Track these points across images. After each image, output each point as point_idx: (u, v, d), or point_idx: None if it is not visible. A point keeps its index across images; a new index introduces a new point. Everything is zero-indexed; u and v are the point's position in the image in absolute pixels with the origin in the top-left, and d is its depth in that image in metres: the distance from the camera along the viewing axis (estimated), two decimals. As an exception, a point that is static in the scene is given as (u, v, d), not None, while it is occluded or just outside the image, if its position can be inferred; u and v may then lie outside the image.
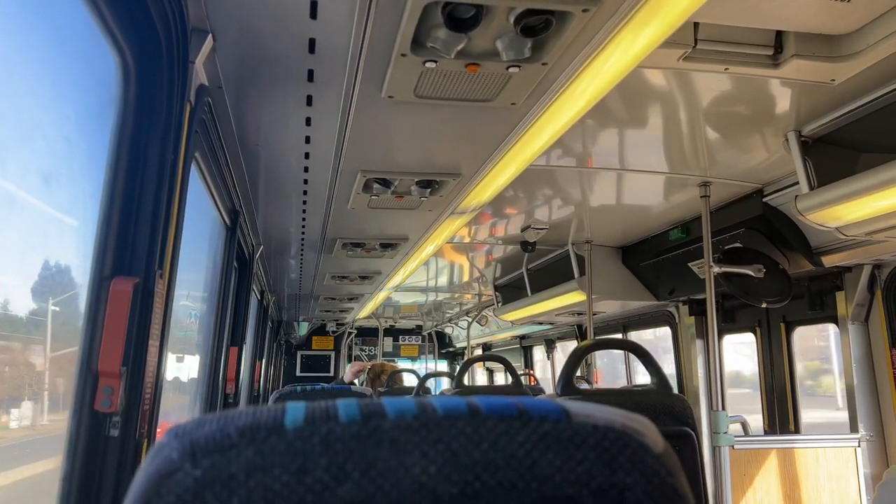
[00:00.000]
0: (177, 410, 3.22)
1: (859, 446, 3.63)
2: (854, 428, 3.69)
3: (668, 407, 2.14)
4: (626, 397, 2.26)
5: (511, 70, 1.80)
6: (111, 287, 1.32)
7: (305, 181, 2.98)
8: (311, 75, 1.90)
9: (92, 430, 1.32)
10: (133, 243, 1.40)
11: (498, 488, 0.48)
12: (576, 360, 2.28)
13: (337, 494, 0.47)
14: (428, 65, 1.76)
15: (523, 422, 0.50)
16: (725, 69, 2.21)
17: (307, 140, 2.44)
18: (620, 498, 0.49)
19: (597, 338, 4.93)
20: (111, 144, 1.41)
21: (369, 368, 6.56)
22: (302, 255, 4.87)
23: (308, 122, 2.25)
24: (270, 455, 0.48)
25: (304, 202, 3.35)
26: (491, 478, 0.48)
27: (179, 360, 3.32)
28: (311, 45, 1.72)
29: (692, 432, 2.10)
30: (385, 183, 2.90)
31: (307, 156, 2.63)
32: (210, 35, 1.66)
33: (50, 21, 1.32)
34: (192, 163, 1.94)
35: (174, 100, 1.50)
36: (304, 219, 3.72)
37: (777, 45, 2.16)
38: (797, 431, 4.20)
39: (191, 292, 3.11)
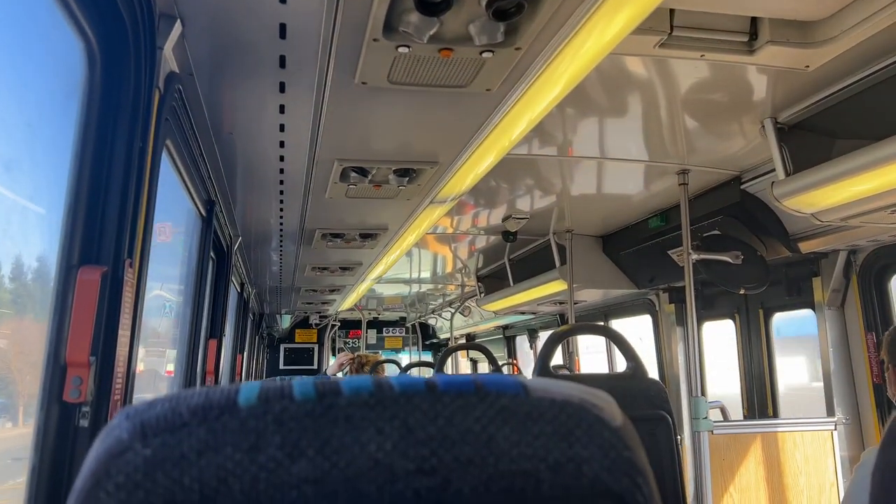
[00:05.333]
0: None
1: (836, 430, 3.68)
2: (831, 412, 3.74)
3: (644, 391, 2.16)
4: (601, 382, 2.27)
5: (485, 55, 1.79)
6: (78, 276, 1.30)
7: (282, 170, 2.95)
8: (282, 61, 1.88)
9: (61, 420, 1.30)
10: (101, 232, 1.38)
11: (454, 464, 0.47)
12: (551, 344, 2.28)
13: (291, 472, 0.46)
14: (401, 50, 1.74)
15: (480, 397, 0.50)
16: (701, 56, 2.22)
17: (281, 128, 2.42)
18: (578, 472, 0.49)
19: (573, 323, 4.94)
20: (76, 132, 1.39)
21: (352, 360, 6.54)
22: (281, 246, 4.84)
23: (282, 109, 2.23)
24: (223, 434, 0.47)
25: (282, 192, 3.33)
26: (447, 453, 0.48)
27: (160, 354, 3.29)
28: (282, 30, 1.70)
29: (668, 416, 2.12)
30: (362, 171, 2.88)
31: (282, 144, 2.60)
32: (178, 21, 1.63)
33: (11, 4, 1.28)
34: (164, 151, 1.92)
35: (142, 87, 1.48)
36: (281, 209, 3.69)
37: (752, 32, 2.17)
38: (775, 416, 4.25)
39: (166, 283, 3.07)
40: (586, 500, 0.49)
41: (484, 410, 0.49)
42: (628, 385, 2.18)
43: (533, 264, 5.45)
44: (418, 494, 0.47)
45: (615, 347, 6.61)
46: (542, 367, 2.19)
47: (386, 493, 0.47)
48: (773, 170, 2.90)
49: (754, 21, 2.15)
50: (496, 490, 0.48)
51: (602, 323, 6.21)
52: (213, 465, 0.46)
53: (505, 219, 4.55)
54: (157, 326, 3.14)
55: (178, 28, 1.64)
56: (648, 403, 2.13)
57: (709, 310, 4.77)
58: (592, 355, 7.25)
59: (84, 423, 1.30)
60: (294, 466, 0.46)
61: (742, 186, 3.58)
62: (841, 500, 3.61)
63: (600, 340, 6.96)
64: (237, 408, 0.47)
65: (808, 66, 2.28)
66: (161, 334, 3.25)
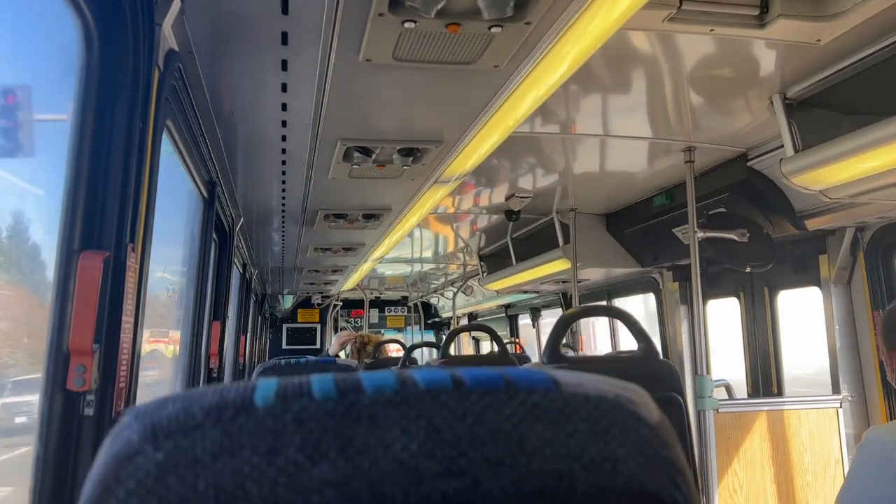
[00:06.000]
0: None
1: (841, 407, 3.68)
2: (836, 389, 3.73)
3: (656, 373, 2.14)
4: (612, 364, 2.26)
5: (493, 30, 1.74)
6: (79, 261, 1.27)
7: (284, 150, 2.92)
8: (285, 38, 1.83)
9: (65, 409, 1.28)
10: (102, 216, 1.35)
11: (484, 464, 0.45)
12: (562, 327, 2.26)
13: (312, 475, 0.44)
14: (407, 25, 1.70)
15: (510, 394, 0.47)
16: (711, 30, 2.17)
17: (284, 107, 2.38)
18: (614, 471, 0.46)
19: (582, 305, 4.93)
20: (74, 112, 1.35)
21: (354, 340, 6.54)
22: (283, 227, 4.81)
23: (284, 88, 2.19)
24: (239, 435, 0.44)
25: (284, 172, 3.29)
26: (476, 453, 0.45)
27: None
28: (284, 5, 1.66)
29: (680, 398, 2.10)
30: (366, 151, 2.85)
31: (284, 124, 2.56)
32: (177, -4, 1.59)
33: (4, -19, 1.24)
34: (165, 132, 1.88)
35: (141, 65, 1.44)
36: (284, 189, 3.66)
37: (763, 5, 2.12)
38: (780, 394, 4.25)
39: (168, 266, 3.05)
40: (622, 501, 0.47)
41: (514, 408, 0.46)
42: (639, 366, 2.16)
43: (536, 243, 5.42)
44: (446, 497, 0.44)
45: (619, 327, 6.63)
46: (553, 351, 2.17)
47: (412, 495, 0.44)
48: (781, 146, 2.86)
49: (765, -6, 2.10)
50: (528, 491, 0.45)
51: (605, 302, 6.21)
52: (230, 469, 0.43)
53: (508, 198, 4.52)
54: (159, 307, 3.13)
55: (177, 4, 1.59)
56: (660, 385, 2.11)
57: (713, 288, 4.75)
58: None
59: (89, 411, 1.28)
60: (315, 469, 0.44)
61: (749, 163, 3.54)
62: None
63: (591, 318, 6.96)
64: (254, 407, 0.45)
65: (819, 41, 2.24)
66: (164, 315, 3.24)
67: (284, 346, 11.88)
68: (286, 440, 0.44)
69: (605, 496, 0.46)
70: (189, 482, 0.43)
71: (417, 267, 8.20)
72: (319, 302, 11.48)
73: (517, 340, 9.10)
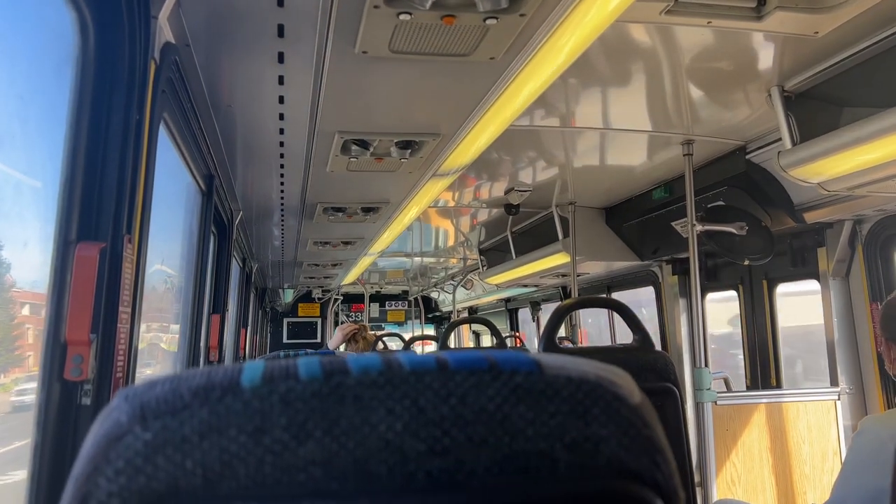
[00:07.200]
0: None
1: (839, 399, 3.69)
2: (834, 381, 3.74)
3: (651, 364, 2.14)
4: (608, 354, 2.26)
5: (489, 22, 1.74)
6: (76, 252, 1.28)
7: (282, 143, 2.92)
8: (281, 30, 1.83)
9: (63, 399, 1.29)
10: (98, 207, 1.35)
11: (467, 444, 0.46)
12: (557, 318, 2.27)
13: (298, 455, 0.45)
14: (402, 17, 1.70)
15: (494, 375, 0.48)
16: (708, 23, 2.17)
17: (281, 100, 2.38)
18: (595, 451, 0.47)
19: (579, 297, 4.93)
20: (70, 104, 1.36)
21: (359, 329, 6.47)
22: (283, 220, 4.82)
23: (281, 80, 2.19)
24: (226, 415, 0.45)
25: (282, 165, 3.30)
26: (460, 433, 0.46)
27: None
28: (280, -3, 1.66)
29: (675, 389, 2.11)
30: (363, 144, 2.85)
31: (282, 117, 2.56)
32: (173, -12, 1.59)
33: (-1, -27, 1.24)
34: (162, 125, 1.88)
35: (137, 57, 1.44)
36: (282, 183, 3.66)
37: (760, -3, 2.12)
38: (779, 386, 4.26)
39: (168, 259, 3.06)
40: (604, 480, 0.47)
41: (497, 389, 0.47)
42: (635, 357, 2.17)
43: (535, 237, 5.43)
44: (430, 475, 0.45)
45: (617, 320, 6.64)
46: (548, 340, 2.18)
47: (397, 474, 0.45)
48: (780, 139, 2.86)
49: (763, -15, 2.10)
50: (511, 470, 0.46)
51: (604, 295, 6.21)
52: (217, 448, 0.44)
53: (507, 192, 4.52)
54: (156, 299, 3.13)
55: (172, -4, 1.60)
56: (656, 376, 2.12)
57: (712, 281, 4.76)
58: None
59: (86, 401, 1.29)
60: (301, 448, 0.45)
61: (747, 156, 3.54)
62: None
63: (588, 312, 6.96)
64: (240, 388, 0.46)
65: (817, 33, 2.24)
66: (161, 309, 3.24)
67: (286, 339, 11.89)
68: (273, 420, 0.45)
69: (586, 475, 0.47)
70: (177, 461, 0.44)
71: (417, 261, 8.20)
72: (320, 296, 11.49)
73: (517, 334, 9.11)
